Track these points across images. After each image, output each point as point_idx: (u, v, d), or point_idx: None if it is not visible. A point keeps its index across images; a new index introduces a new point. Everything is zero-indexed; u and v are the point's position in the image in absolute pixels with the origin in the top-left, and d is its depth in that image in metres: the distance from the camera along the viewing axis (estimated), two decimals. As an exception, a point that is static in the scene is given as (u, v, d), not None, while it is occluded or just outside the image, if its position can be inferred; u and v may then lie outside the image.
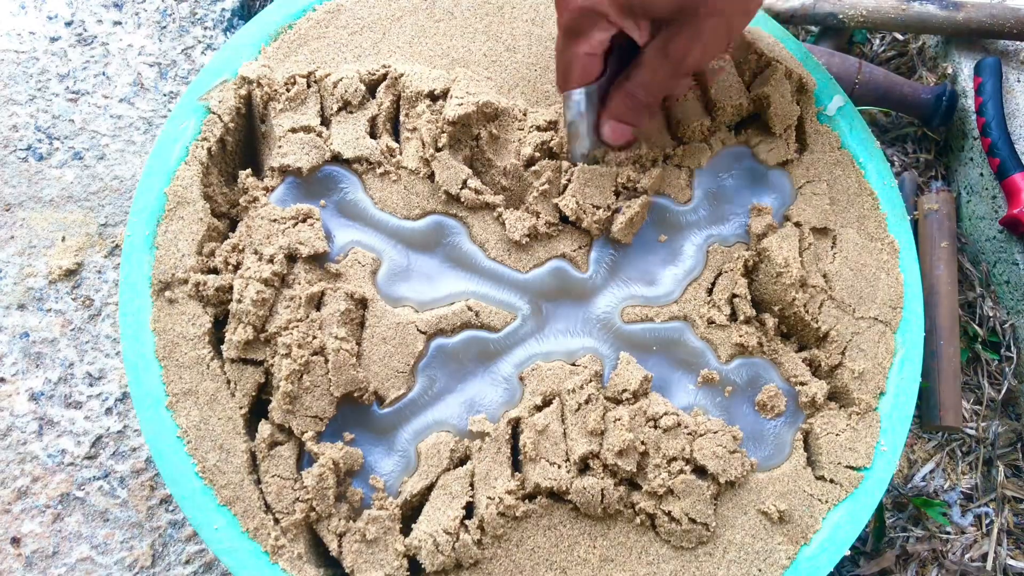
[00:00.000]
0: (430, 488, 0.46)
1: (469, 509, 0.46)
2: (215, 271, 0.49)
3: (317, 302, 0.47)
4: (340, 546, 0.45)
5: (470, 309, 0.48)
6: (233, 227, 0.51)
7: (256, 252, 0.48)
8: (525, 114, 0.51)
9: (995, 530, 0.64)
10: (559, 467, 0.46)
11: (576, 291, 0.50)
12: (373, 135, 0.51)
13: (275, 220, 0.48)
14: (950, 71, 0.76)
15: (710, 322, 0.49)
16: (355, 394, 0.46)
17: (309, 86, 0.51)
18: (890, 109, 0.75)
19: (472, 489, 0.46)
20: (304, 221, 0.48)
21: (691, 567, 0.46)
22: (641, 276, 0.50)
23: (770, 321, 0.50)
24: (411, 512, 0.46)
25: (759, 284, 0.51)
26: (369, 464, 0.46)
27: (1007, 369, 0.69)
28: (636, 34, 0.45)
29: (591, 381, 0.47)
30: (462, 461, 0.46)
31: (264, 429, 0.46)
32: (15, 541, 0.57)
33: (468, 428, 0.46)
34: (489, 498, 0.45)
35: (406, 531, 0.46)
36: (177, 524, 0.58)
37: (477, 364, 0.48)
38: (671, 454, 0.46)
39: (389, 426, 0.47)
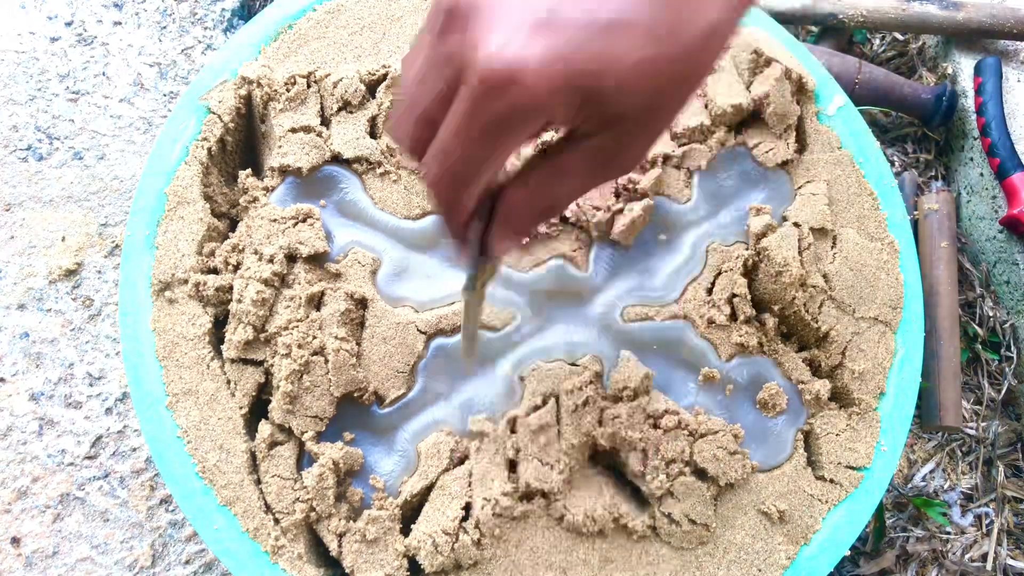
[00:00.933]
0: (430, 488, 0.46)
1: (469, 509, 0.46)
2: (215, 271, 0.49)
3: (317, 302, 0.47)
4: (340, 546, 0.45)
5: None
6: (233, 227, 0.51)
7: (256, 252, 0.48)
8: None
9: (995, 530, 0.64)
10: (551, 468, 0.46)
11: (576, 291, 0.50)
12: (373, 135, 0.51)
13: (275, 220, 0.48)
14: (950, 71, 0.76)
15: (710, 322, 0.49)
16: (355, 394, 0.46)
17: (309, 86, 0.51)
18: (890, 109, 0.75)
19: (471, 489, 0.46)
20: (304, 221, 0.48)
21: (691, 567, 0.46)
22: (641, 275, 0.50)
23: (770, 321, 0.50)
24: (411, 512, 0.46)
25: (759, 284, 0.51)
26: (369, 464, 0.46)
27: (1007, 369, 0.69)
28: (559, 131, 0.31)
29: (590, 383, 0.47)
30: (461, 461, 0.46)
31: (264, 429, 0.46)
32: (15, 541, 0.57)
33: (468, 428, 0.46)
34: (485, 499, 0.45)
35: (406, 531, 0.46)
36: (177, 524, 0.58)
37: (477, 364, 0.48)
38: (670, 455, 0.46)
39: (389, 426, 0.47)
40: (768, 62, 0.52)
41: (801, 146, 0.53)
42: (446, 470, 0.46)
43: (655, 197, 0.51)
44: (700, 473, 0.46)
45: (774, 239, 0.50)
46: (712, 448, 0.46)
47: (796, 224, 0.51)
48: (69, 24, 0.67)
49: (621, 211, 0.49)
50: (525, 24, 0.26)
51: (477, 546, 0.45)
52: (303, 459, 0.46)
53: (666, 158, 0.51)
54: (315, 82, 0.51)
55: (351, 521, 0.45)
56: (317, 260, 0.48)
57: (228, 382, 0.47)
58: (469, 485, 0.46)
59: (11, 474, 0.58)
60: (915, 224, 0.72)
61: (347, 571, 0.45)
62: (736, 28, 0.30)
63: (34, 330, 0.61)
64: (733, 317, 0.50)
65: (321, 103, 0.51)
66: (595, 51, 0.26)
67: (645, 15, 0.26)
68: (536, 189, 0.32)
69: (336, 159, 0.50)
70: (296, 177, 0.49)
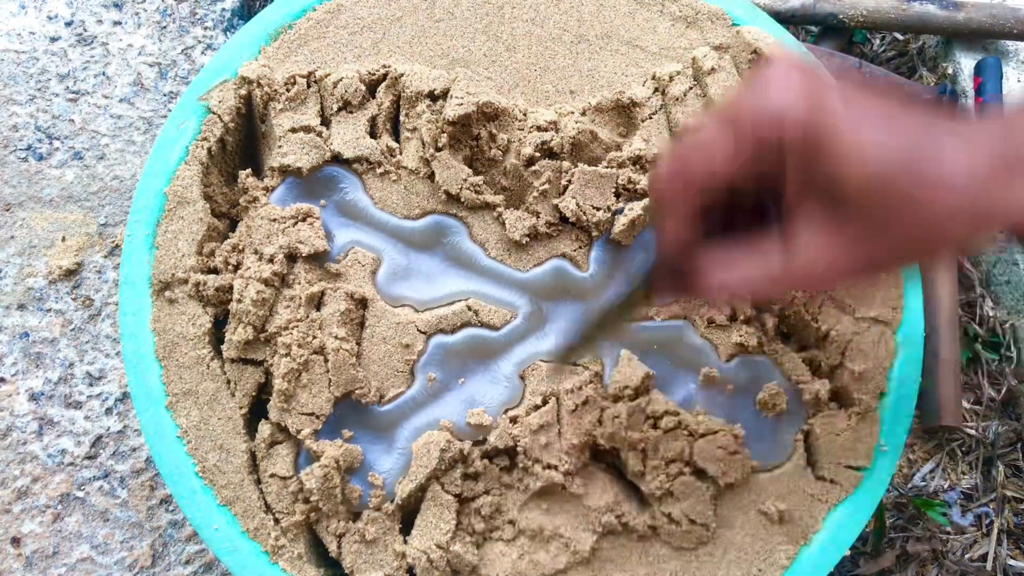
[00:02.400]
0: (422, 489, 0.46)
1: (466, 506, 0.46)
2: (215, 271, 0.49)
3: (317, 302, 0.47)
4: (339, 547, 0.45)
5: (470, 309, 0.48)
6: (233, 227, 0.51)
7: (256, 252, 0.48)
8: (525, 114, 0.51)
9: (995, 530, 0.64)
10: (553, 469, 0.46)
11: (576, 290, 0.50)
12: (373, 135, 0.51)
13: (275, 220, 0.48)
14: (950, 71, 0.76)
15: (710, 322, 0.49)
16: (356, 393, 0.46)
17: (309, 86, 0.51)
18: (890, 109, 0.75)
19: (464, 493, 0.46)
20: (304, 221, 0.48)
21: (691, 567, 0.46)
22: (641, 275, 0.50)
23: (770, 321, 0.50)
24: (410, 512, 0.46)
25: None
26: (368, 461, 0.46)
27: (1007, 369, 0.69)
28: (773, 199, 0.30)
29: (590, 383, 0.47)
30: (455, 463, 0.46)
31: (264, 429, 0.46)
32: (15, 541, 0.57)
33: (466, 422, 0.46)
34: (481, 502, 0.45)
35: (406, 530, 0.46)
36: (177, 524, 0.58)
37: (477, 362, 0.48)
38: (670, 456, 0.46)
39: (388, 424, 0.47)
40: (768, 62, 0.52)
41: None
42: (437, 470, 0.45)
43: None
44: (700, 473, 0.46)
45: None
46: (712, 448, 0.46)
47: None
48: (69, 24, 0.67)
49: (621, 211, 0.49)
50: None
51: (476, 547, 0.45)
52: (300, 458, 0.46)
53: (666, 158, 0.51)
54: (315, 82, 0.51)
55: (351, 522, 0.45)
56: (317, 260, 0.48)
57: (228, 382, 0.47)
58: (463, 490, 0.46)
59: (11, 474, 0.58)
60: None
61: (347, 571, 0.45)
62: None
63: (34, 330, 0.61)
64: (733, 317, 0.50)
65: (321, 103, 0.51)
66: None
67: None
68: (724, 275, 0.32)
69: (336, 159, 0.50)
70: (296, 177, 0.49)
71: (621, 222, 0.49)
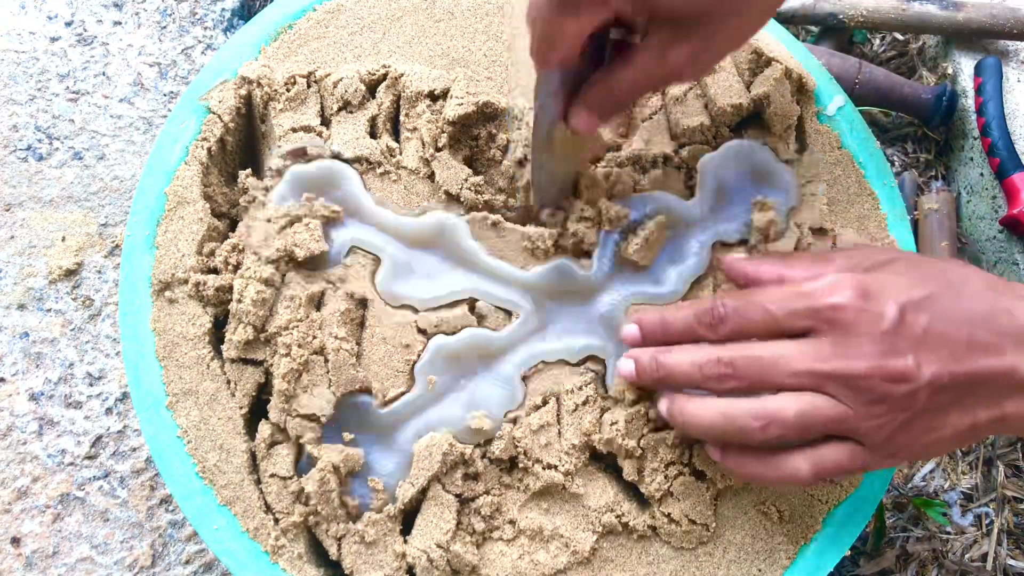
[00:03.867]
0: (423, 491, 0.46)
1: (466, 506, 0.46)
2: (215, 271, 0.49)
3: (317, 302, 0.47)
4: (339, 550, 0.45)
5: (472, 310, 0.48)
6: (233, 227, 0.51)
7: (256, 252, 0.48)
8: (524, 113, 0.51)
9: (995, 530, 0.64)
10: (553, 469, 0.46)
11: (579, 289, 0.49)
12: (373, 135, 0.51)
13: (270, 220, 0.48)
14: (950, 71, 0.76)
15: None
16: (355, 394, 0.46)
17: (309, 86, 0.51)
18: (890, 109, 0.75)
19: (465, 492, 0.46)
20: (300, 222, 0.48)
21: (691, 567, 0.46)
22: (645, 274, 0.50)
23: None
24: (411, 513, 0.46)
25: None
26: (369, 464, 0.46)
27: (1007, 369, 0.69)
28: (634, 26, 0.40)
29: (591, 383, 0.47)
30: (456, 465, 0.46)
31: (264, 429, 0.46)
32: (15, 541, 0.57)
33: (467, 425, 0.46)
34: (481, 502, 0.45)
35: (406, 531, 0.46)
36: (177, 524, 0.58)
37: (478, 363, 0.48)
38: (669, 458, 0.46)
39: (389, 426, 0.47)
40: (768, 62, 0.52)
41: (801, 146, 0.53)
42: (439, 473, 0.45)
43: (659, 194, 0.50)
44: (700, 474, 0.46)
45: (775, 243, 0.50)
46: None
47: (796, 224, 0.51)
48: (69, 24, 0.67)
49: (634, 227, 0.49)
50: None
51: (476, 548, 0.45)
52: (302, 458, 0.46)
53: (666, 158, 0.51)
54: (315, 82, 0.51)
55: (350, 523, 0.45)
56: (315, 263, 0.48)
57: (228, 382, 0.47)
58: (463, 491, 0.46)
59: (11, 474, 0.58)
60: (915, 224, 0.72)
61: (347, 572, 0.45)
62: None
63: (34, 330, 0.61)
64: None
65: (321, 103, 0.51)
66: None
67: None
68: (607, 74, 0.41)
69: (336, 159, 0.50)
70: (298, 162, 0.49)
71: (635, 242, 0.48)
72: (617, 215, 0.48)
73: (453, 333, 0.48)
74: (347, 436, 0.46)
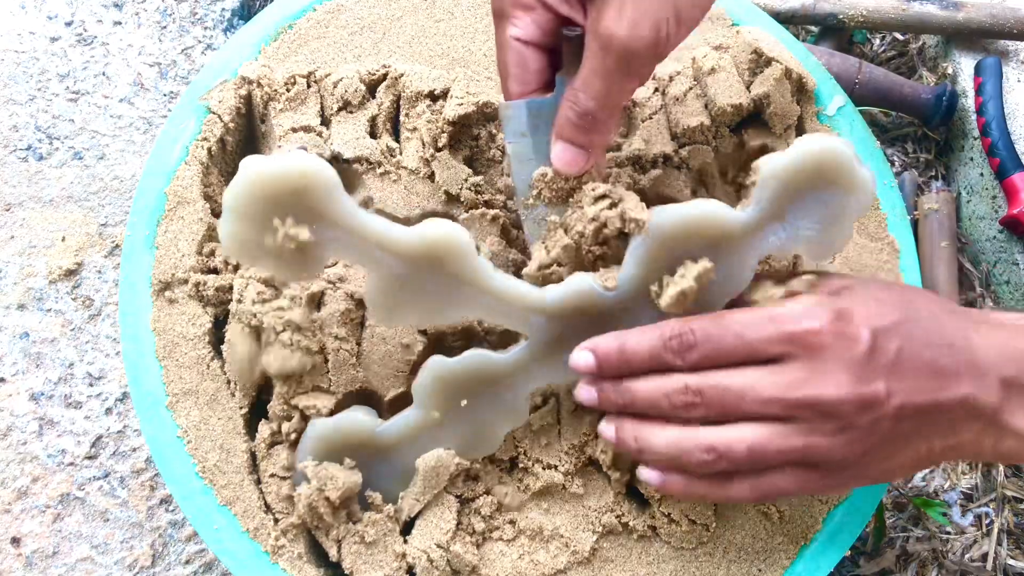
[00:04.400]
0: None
1: (466, 507, 0.46)
2: (215, 271, 0.49)
3: (317, 302, 0.47)
4: (339, 551, 0.45)
5: (479, 324, 0.47)
6: (233, 227, 0.51)
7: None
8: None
9: (995, 530, 0.64)
10: (553, 469, 0.46)
11: (601, 312, 0.42)
12: (373, 135, 0.51)
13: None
14: (950, 71, 0.76)
15: None
16: (355, 395, 0.46)
17: (309, 86, 0.51)
18: (890, 109, 0.75)
19: (465, 493, 0.46)
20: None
21: (691, 567, 0.46)
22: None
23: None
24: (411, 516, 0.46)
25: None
26: (367, 478, 0.45)
27: (1007, 369, 0.69)
28: (576, 16, 0.36)
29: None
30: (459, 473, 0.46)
31: (264, 429, 0.46)
32: (15, 541, 0.57)
33: (470, 446, 0.46)
34: (481, 502, 0.45)
35: (406, 531, 0.46)
36: (177, 524, 0.58)
37: (481, 387, 0.44)
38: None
39: (389, 447, 0.45)
40: (768, 62, 0.52)
41: (801, 146, 0.53)
42: (444, 489, 0.45)
43: (703, 204, 0.41)
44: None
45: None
46: None
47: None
48: (69, 24, 0.67)
49: (672, 268, 0.41)
50: None
51: (476, 548, 0.45)
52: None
53: (666, 158, 0.51)
54: (315, 82, 0.51)
55: (350, 523, 0.45)
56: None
57: (228, 382, 0.47)
58: (463, 493, 0.46)
59: (11, 474, 0.58)
60: (915, 224, 0.72)
61: (347, 572, 0.45)
62: None
63: (34, 330, 0.61)
64: None
65: (321, 103, 0.51)
66: None
67: None
68: (570, 89, 0.39)
69: (336, 159, 0.50)
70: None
71: (669, 293, 0.40)
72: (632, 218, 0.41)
73: (454, 339, 0.47)
74: (348, 462, 0.44)
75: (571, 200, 0.42)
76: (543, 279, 0.43)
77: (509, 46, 0.37)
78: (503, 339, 0.46)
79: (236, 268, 0.48)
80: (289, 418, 0.45)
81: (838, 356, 0.37)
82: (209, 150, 0.50)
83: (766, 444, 0.38)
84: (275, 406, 0.45)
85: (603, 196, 0.41)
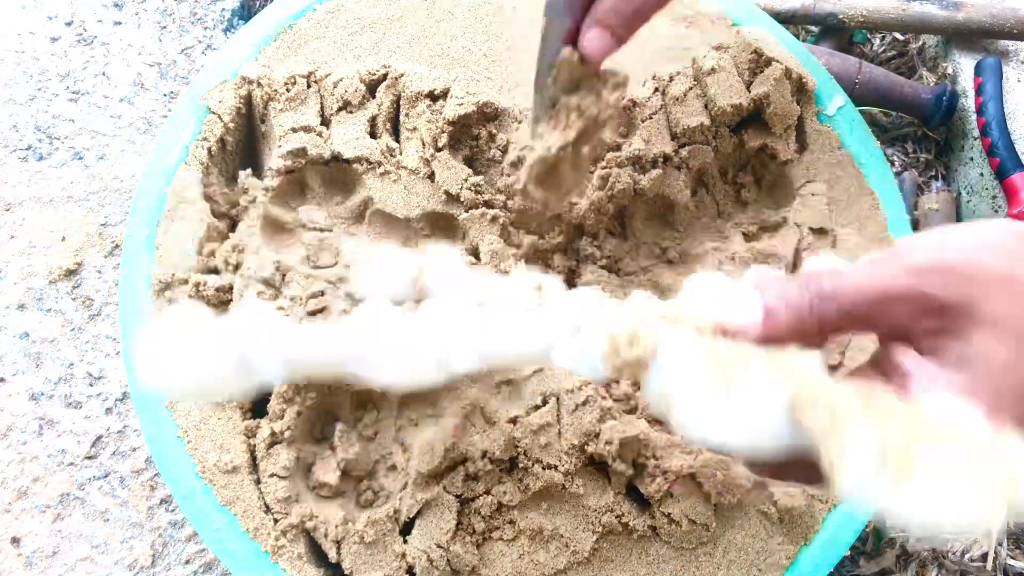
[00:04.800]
0: (424, 492, 0.45)
1: (466, 507, 0.46)
2: (215, 271, 0.49)
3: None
4: (339, 552, 0.45)
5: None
6: (233, 227, 0.51)
7: (256, 252, 0.48)
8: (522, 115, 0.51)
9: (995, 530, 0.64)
10: (553, 469, 0.46)
11: None
12: (373, 135, 0.51)
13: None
14: (950, 71, 0.76)
15: None
16: (354, 394, 0.46)
17: (309, 86, 0.51)
18: (890, 109, 0.75)
19: (465, 493, 0.46)
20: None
21: (691, 567, 0.46)
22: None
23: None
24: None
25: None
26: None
27: (1007, 369, 0.69)
28: None
29: (590, 383, 0.47)
30: (455, 464, 0.46)
31: (264, 429, 0.46)
32: (15, 541, 0.57)
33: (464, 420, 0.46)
34: (481, 502, 0.45)
35: (406, 531, 0.46)
36: (177, 524, 0.58)
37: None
38: (667, 467, 0.46)
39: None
40: (768, 62, 0.52)
41: (801, 146, 0.53)
42: (440, 475, 0.45)
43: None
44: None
45: (775, 240, 0.50)
46: (713, 463, 0.46)
47: (796, 224, 0.51)
48: (69, 24, 0.67)
49: None
50: None
51: (476, 548, 0.45)
52: (300, 459, 0.46)
53: (666, 158, 0.51)
54: (315, 82, 0.51)
55: (350, 524, 0.45)
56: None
57: (228, 382, 0.47)
58: (463, 491, 0.46)
59: (11, 474, 0.58)
60: (915, 224, 0.72)
61: (347, 572, 0.45)
62: None
63: (34, 330, 0.61)
64: None
65: (321, 103, 0.51)
66: None
67: None
68: None
69: (336, 159, 0.50)
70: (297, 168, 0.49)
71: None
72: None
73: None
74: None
75: (584, 86, 0.42)
76: (554, 162, 0.42)
77: None
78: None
79: (236, 268, 0.48)
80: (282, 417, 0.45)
81: None
82: (209, 150, 0.50)
83: None
84: (274, 406, 0.45)
85: (621, 83, 0.41)
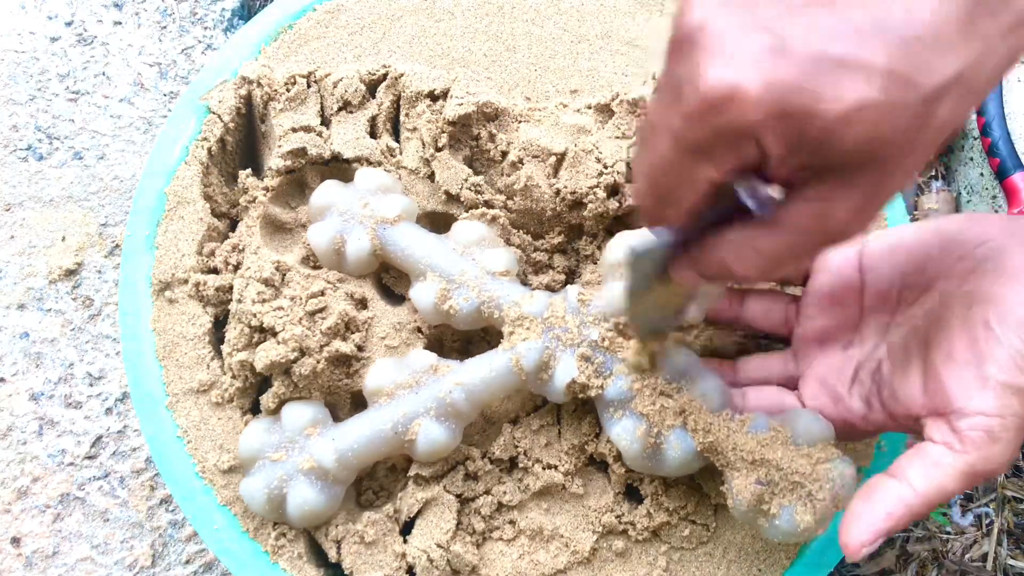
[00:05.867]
0: (423, 491, 0.46)
1: (466, 506, 0.46)
2: (215, 271, 0.49)
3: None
4: (339, 552, 0.45)
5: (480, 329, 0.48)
6: (233, 227, 0.51)
7: (256, 252, 0.48)
8: (521, 116, 0.51)
9: (995, 530, 0.64)
10: (553, 469, 0.46)
11: None
12: (373, 135, 0.51)
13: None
14: (950, 71, 0.76)
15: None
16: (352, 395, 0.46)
17: (309, 86, 0.51)
18: (890, 109, 0.75)
19: (465, 493, 0.46)
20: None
21: (691, 567, 0.46)
22: None
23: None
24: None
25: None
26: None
27: (1007, 369, 0.69)
28: (771, 173, 0.29)
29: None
30: (455, 464, 0.46)
31: (264, 429, 0.46)
32: (15, 541, 0.57)
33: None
34: (481, 502, 0.45)
35: (406, 531, 0.46)
36: (177, 524, 0.58)
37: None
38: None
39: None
40: (768, 62, 0.52)
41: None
42: (442, 475, 0.45)
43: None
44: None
45: None
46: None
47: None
48: (69, 24, 0.67)
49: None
50: (752, 50, 0.26)
51: (476, 548, 0.45)
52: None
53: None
54: (315, 82, 0.51)
55: (350, 524, 0.45)
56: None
57: (228, 382, 0.47)
58: (463, 491, 0.46)
59: (11, 474, 0.58)
60: (915, 224, 0.72)
61: (347, 572, 0.45)
62: (982, 89, 0.27)
63: (34, 330, 0.61)
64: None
65: (321, 103, 0.51)
66: (818, 84, 0.25)
67: (879, 57, 0.25)
68: (734, 238, 0.31)
69: (336, 159, 0.50)
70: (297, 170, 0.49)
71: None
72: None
73: (453, 340, 0.48)
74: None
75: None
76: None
77: (696, 185, 0.30)
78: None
79: (236, 268, 0.48)
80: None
81: None
82: (209, 150, 0.50)
83: None
84: (267, 399, 0.45)
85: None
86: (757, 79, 0.25)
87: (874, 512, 0.35)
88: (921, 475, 0.35)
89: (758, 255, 0.30)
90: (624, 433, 0.42)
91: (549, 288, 0.49)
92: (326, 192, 0.47)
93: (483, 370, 0.43)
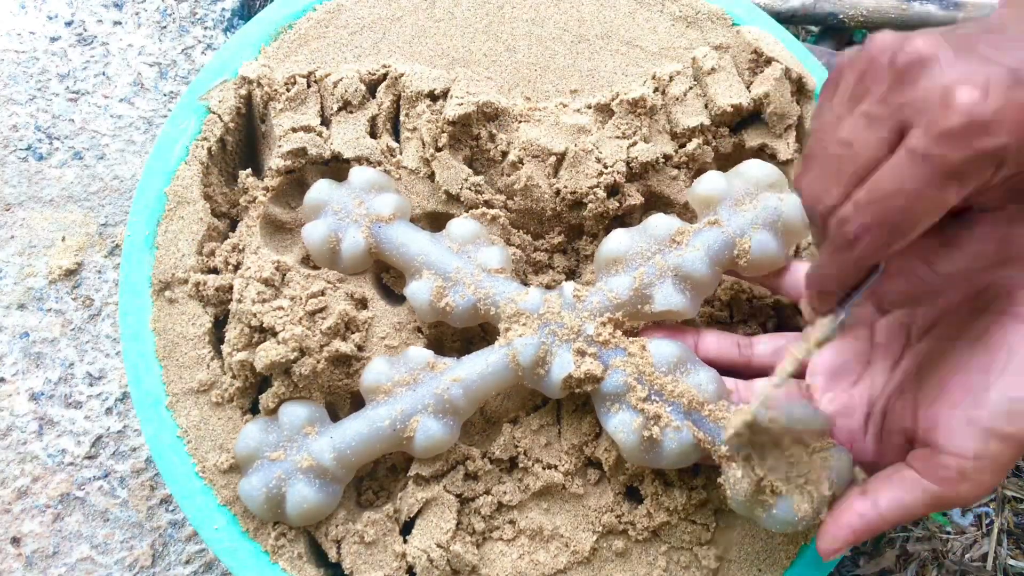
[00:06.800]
0: (423, 491, 0.46)
1: (466, 506, 0.46)
2: (215, 271, 0.49)
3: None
4: (339, 552, 0.45)
5: (480, 328, 0.48)
6: (233, 227, 0.51)
7: (256, 252, 0.48)
8: (521, 116, 0.51)
9: (995, 530, 0.64)
10: (553, 469, 0.46)
11: None
12: (373, 135, 0.51)
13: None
14: (950, 71, 0.76)
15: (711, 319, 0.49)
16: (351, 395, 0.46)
17: (309, 86, 0.51)
18: (890, 109, 0.75)
19: (465, 492, 0.46)
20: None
21: (691, 567, 0.46)
22: None
23: (769, 323, 0.50)
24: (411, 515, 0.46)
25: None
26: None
27: (1007, 369, 0.69)
28: (993, 193, 0.30)
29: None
30: (455, 464, 0.46)
31: (264, 429, 0.46)
32: (15, 541, 0.57)
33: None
34: (481, 502, 0.45)
35: (406, 531, 0.46)
36: (177, 524, 0.58)
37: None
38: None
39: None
40: (768, 62, 0.52)
41: (801, 146, 0.53)
42: (442, 474, 0.45)
43: None
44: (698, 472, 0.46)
45: None
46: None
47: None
48: (69, 24, 0.67)
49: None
50: (995, 80, 0.27)
51: (476, 548, 0.45)
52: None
53: (666, 158, 0.51)
54: (315, 82, 0.51)
55: (350, 524, 0.45)
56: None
57: (228, 382, 0.47)
58: (463, 491, 0.46)
59: (11, 474, 0.58)
60: (915, 224, 0.72)
61: (347, 572, 0.45)
62: None
63: (34, 330, 0.61)
64: (731, 316, 0.50)
65: (321, 103, 0.51)
66: None
67: None
68: (920, 257, 0.32)
69: (336, 159, 0.50)
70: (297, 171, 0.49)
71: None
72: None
73: (453, 340, 0.48)
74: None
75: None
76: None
77: (940, 204, 0.29)
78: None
79: (236, 268, 0.48)
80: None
81: None
82: (209, 150, 0.50)
83: None
84: (266, 399, 0.45)
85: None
86: (1009, 105, 0.27)
87: (838, 526, 0.38)
88: (888, 495, 0.36)
89: (936, 276, 0.32)
90: (621, 426, 0.42)
91: (549, 288, 0.49)
92: (320, 191, 0.47)
93: (480, 366, 0.43)
